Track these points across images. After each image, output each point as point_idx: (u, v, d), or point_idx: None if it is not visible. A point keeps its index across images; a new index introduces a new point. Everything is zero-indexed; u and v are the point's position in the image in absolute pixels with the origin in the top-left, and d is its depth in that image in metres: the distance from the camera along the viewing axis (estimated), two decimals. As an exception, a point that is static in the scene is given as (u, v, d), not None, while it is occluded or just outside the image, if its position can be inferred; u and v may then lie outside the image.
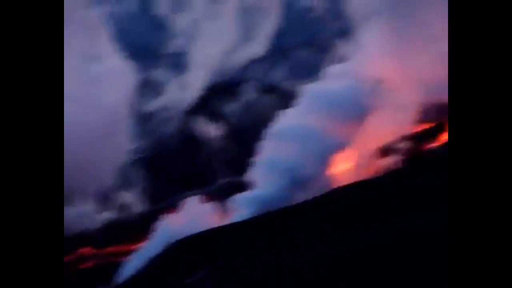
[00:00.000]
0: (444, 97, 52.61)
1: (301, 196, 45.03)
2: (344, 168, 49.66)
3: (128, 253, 47.47)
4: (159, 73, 79.07)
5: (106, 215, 61.61)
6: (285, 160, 46.52)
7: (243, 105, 68.28)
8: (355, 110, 48.62)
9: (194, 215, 46.61)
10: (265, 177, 46.59)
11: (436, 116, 54.32)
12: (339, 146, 48.16)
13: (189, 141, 71.37)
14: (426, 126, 54.70)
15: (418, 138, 53.44)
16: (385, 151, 50.96)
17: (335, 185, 46.92)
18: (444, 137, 52.73)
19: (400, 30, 53.19)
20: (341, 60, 53.47)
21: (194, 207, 48.04)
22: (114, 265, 45.76)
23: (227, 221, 44.81)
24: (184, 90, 75.64)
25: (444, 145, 50.38)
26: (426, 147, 52.37)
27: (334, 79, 50.43)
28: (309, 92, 50.09)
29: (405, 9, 53.78)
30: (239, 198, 46.48)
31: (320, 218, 37.41)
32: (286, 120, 49.41)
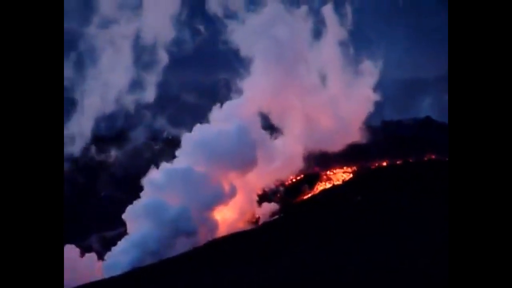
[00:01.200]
0: (324, 147, 54.39)
1: (185, 243, 44.81)
2: (227, 215, 49.79)
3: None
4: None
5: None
6: (168, 208, 46.07)
7: (129, 152, 67.36)
8: (238, 156, 48.97)
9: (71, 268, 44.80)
10: (148, 225, 45.82)
11: (315, 165, 55.64)
12: (222, 193, 48.28)
13: (75, 190, 69.00)
14: (304, 174, 55.80)
15: (297, 187, 54.53)
16: (265, 198, 51.64)
17: (219, 233, 47.05)
18: (320, 186, 53.96)
19: (287, 76, 54.35)
20: (226, 104, 53.10)
21: (72, 259, 45.99)
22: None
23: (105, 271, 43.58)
24: (71, 138, 73.59)
25: (320, 194, 51.63)
26: (304, 196, 53.46)
27: (219, 124, 50.48)
28: (194, 138, 50.04)
29: (292, 57, 55.16)
30: (120, 246, 45.43)
31: (203, 266, 37.47)
32: (171, 166, 49.14)
